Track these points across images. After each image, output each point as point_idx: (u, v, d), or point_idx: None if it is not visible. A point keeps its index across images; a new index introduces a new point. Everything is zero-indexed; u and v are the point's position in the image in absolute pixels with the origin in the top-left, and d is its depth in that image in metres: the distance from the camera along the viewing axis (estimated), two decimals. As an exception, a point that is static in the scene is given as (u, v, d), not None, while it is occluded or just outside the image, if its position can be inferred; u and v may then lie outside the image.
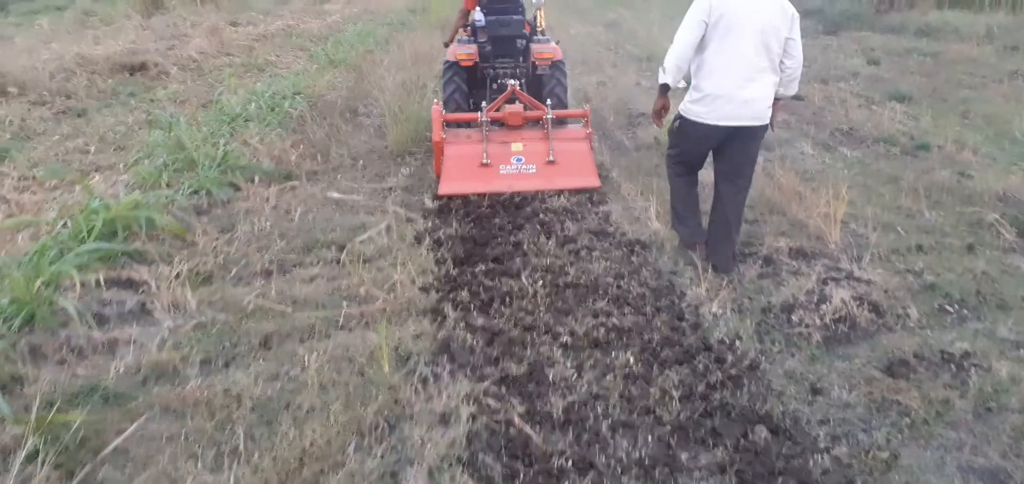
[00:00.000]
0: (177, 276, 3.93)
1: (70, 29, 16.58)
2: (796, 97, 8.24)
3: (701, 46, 3.70)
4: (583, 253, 4.26)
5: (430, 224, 4.80)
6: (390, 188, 5.61)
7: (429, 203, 5.21)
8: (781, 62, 3.71)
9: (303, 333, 3.43)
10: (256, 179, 5.57)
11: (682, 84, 3.89)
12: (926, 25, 13.78)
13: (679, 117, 3.93)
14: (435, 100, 6.00)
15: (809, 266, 4.01)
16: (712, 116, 3.72)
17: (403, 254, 4.28)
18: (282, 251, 4.39)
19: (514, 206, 5.04)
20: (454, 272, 4.04)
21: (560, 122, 5.65)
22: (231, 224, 4.78)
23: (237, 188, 5.42)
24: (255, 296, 3.79)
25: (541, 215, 4.84)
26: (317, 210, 5.08)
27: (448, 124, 5.54)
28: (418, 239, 4.54)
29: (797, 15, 3.67)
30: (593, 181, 5.28)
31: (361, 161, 6.27)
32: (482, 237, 4.52)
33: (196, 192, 5.20)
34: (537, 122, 5.54)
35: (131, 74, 10.33)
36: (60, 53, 10.56)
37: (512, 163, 5.31)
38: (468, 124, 5.60)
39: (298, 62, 11.65)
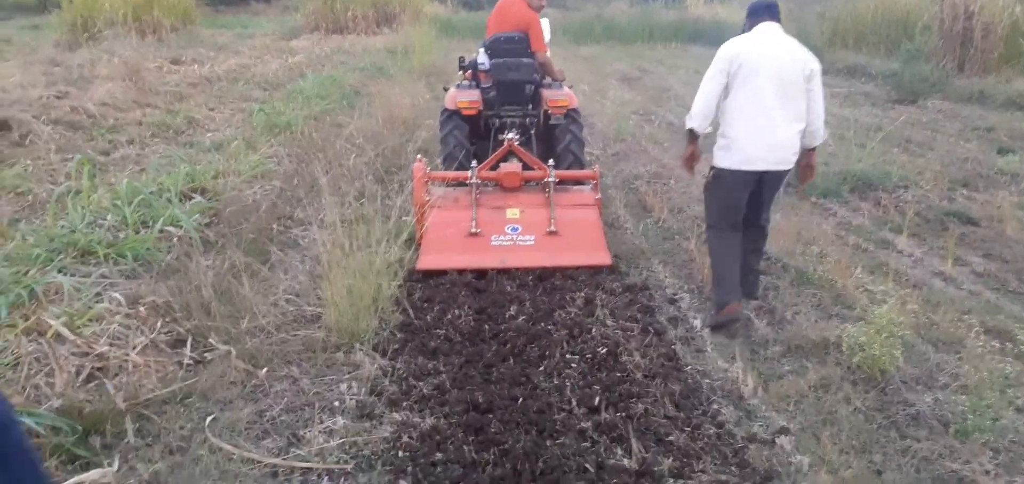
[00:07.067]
0: None
1: (-31, 62, 13.50)
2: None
3: (725, 93, 3.75)
4: None
5: None
6: (308, 473, 2.61)
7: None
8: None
9: None
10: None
11: (709, 129, 3.86)
12: (1019, 95, 11.25)
13: (712, 170, 3.89)
14: (418, 156, 4.88)
15: None
16: (739, 162, 3.74)
17: None
18: None
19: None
20: None
21: (565, 184, 4.98)
22: None
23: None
24: None
25: None
26: None
27: (434, 183, 4.93)
28: None
29: (817, 71, 3.71)
30: (603, 258, 4.56)
31: (264, 369, 3.26)
32: None
33: None
34: (539, 183, 4.93)
35: (-18, 136, 7.30)
36: None
37: (506, 233, 4.66)
38: (457, 184, 4.96)
39: (233, 121, 8.64)
